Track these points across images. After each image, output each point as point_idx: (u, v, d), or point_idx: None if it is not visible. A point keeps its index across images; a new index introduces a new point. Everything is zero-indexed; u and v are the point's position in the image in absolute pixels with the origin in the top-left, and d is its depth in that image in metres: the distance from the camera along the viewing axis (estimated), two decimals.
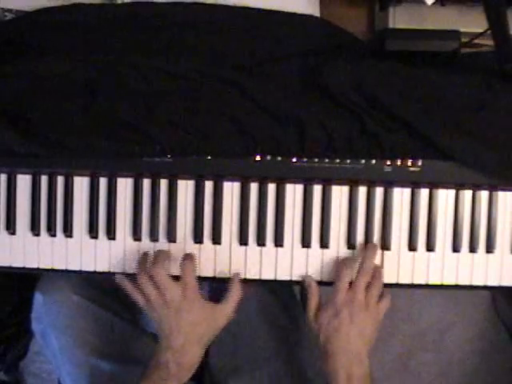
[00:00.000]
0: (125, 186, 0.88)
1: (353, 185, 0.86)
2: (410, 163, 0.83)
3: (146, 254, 0.85)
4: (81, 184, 0.88)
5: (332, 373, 0.78)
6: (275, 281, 0.87)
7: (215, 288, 1.05)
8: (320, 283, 0.86)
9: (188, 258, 0.83)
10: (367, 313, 0.80)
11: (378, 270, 0.83)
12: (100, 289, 0.96)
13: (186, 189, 0.87)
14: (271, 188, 0.86)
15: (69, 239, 0.89)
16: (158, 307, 0.79)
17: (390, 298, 0.84)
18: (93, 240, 0.89)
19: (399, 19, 0.86)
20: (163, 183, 0.87)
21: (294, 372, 0.94)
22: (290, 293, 1.01)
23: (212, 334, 0.82)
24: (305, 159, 0.84)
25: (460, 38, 0.84)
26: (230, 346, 0.96)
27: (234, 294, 0.83)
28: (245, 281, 0.87)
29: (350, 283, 0.81)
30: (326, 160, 0.84)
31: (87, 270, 0.89)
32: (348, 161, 0.84)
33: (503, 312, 1.61)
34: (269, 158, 0.84)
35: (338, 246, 0.87)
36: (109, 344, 0.93)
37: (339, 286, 0.80)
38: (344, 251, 0.86)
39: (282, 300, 0.98)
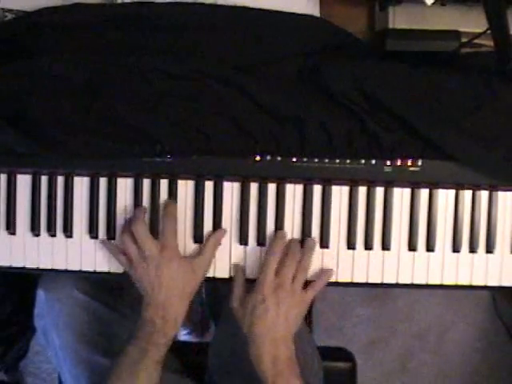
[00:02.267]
0: (125, 185, 0.88)
1: (353, 185, 0.86)
2: (410, 163, 0.83)
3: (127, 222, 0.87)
4: (81, 184, 0.88)
5: (257, 356, 0.79)
6: None
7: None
8: None
9: (168, 213, 0.85)
10: (293, 299, 0.81)
11: (303, 258, 0.84)
12: (102, 287, 0.97)
13: (185, 189, 0.87)
14: (271, 188, 0.86)
15: (69, 239, 0.89)
16: (137, 264, 0.82)
17: (320, 288, 0.84)
18: (93, 240, 0.89)
19: (399, 19, 0.86)
20: (163, 183, 0.87)
21: None
22: None
23: (193, 287, 0.84)
24: (305, 159, 0.84)
25: (460, 38, 0.84)
26: (229, 346, 0.96)
27: (210, 245, 0.85)
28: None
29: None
30: (326, 160, 0.84)
31: (87, 269, 0.89)
32: (348, 161, 0.84)
33: (503, 312, 1.61)
34: (269, 157, 0.84)
35: (337, 245, 0.87)
36: (110, 342, 0.94)
37: (265, 276, 0.81)
38: (344, 251, 0.86)
39: None
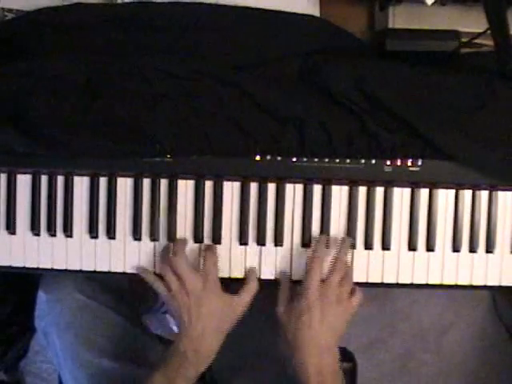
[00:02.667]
0: (125, 185, 0.88)
1: (353, 185, 0.86)
2: (409, 163, 0.83)
3: (167, 247, 0.87)
4: (81, 184, 0.88)
5: (302, 366, 0.78)
6: (275, 281, 0.87)
7: None
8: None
9: (209, 248, 0.85)
10: (338, 308, 0.81)
11: (348, 266, 0.83)
12: (103, 288, 0.96)
13: (185, 189, 0.87)
14: (271, 188, 0.86)
15: (69, 239, 0.89)
16: (178, 296, 0.81)
17: (362, 295, 0.83)
18: (93, 240, 0.89)
19: (399, 19, 0.86)
20: (163, 183, 0.87)
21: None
22: None
23: (229, 324, 0.83)
24: (305, 159, 0.84)
25: (460, 38, 0.84)
26: (234, 346, 0.96)
27: (251, 285, 0.85)
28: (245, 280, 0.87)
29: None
30: (326, 160, 0.84)
31: (87, 269, 0.89)
32: (348, 161, 0.84)
33: (503, 312, 1.61)
34: (269, 157, 0.84)
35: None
36: (111, 343, 0.94)
37: (311, 282, 0.80)
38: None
39: None
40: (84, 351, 0.92)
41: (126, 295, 1.00)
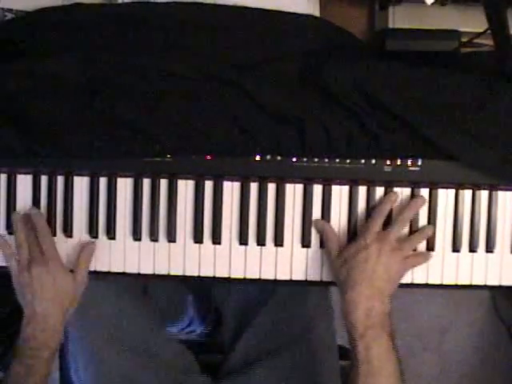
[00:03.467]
0: (125, 185, 0.88)
1: (353, 185, 0.86)
2: (409, 163, 0.83)
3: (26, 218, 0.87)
4: (81, 184, 0.88)
5: (352, 303, 0.77)
6: (275, 281, 0.87)
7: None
8: (320, 283, 0.87)
9: (39, 230, 0.85)
10: (396, 255, 0.80)
11: (428, 227, 0.84)
12: (126, 287, 0.97)
13: (185, 189, 0.87)
14: (271, 188, 0.86)
15: (69, 239, 0.89)
16: (22, 274, 0.83)
17: (423, 259, 0.84)
18: (93, 240, 0.89)
19: (399, 19, 0.86)
20: (163, 183, 0.87)
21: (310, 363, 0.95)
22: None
23: (70, 303, 0.85)
24: (305, 159, 0.84)
25: (460, 38, 0.84)
26: (249, 337, 0.97)
27: (82, 258, 0.86)
28: (244, 280, 0.87)
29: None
30: (326, 160, 0.84)
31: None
32: (348, 161, 0.84)
33: (503, 312, 1.61)
34: (269, 157, 0.84)
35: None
36: (125, 335, 0.94)
37: (372, 224, 0.81)
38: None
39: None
40: (96, 340, 0.93)
41: (148, 294, 1.02)
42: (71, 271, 0.86)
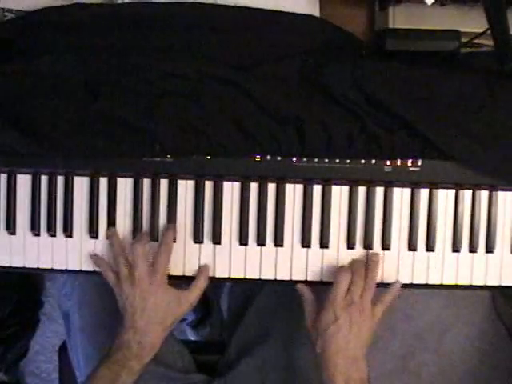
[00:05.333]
0: (125, 185, 0.88)
1: (353, 185, 0.86)
2: (409, 163, 0.83)
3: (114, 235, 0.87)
4: (81, 184, 0.88)
5: (330, 377, 0.78)
6: (275, 281, 0.87)
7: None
8: (320, 283, 0.87)
9: (165, 243, 0.84)
10: (364, 316, 0.80)
11: (370, 275, 0.83)
12: None
13: (185, 189, 0.87)
14: (271, 188, 0.86)
15: (69, 239, 0.89)
16: (124, 286, 0.82)
17: (389, 301, 0.83)
18: (93, 240, 0.89)
19: (399, 19, 0.86)
20: (163, 183, 0.87)
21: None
22: None
23: (174, 319, 0.84)
24: (305, 159, 0.84)
25: (460, 38, 0.84)
26: (242, 328, 0.99)
27: (200, 283, 0.85)
28: (244, 280, 0.87)
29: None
30: (326, 160, 0.84)
31: (87, 269, 0.89)
32: (348, 161, 0.84)
33: (503, 312, 1.61)
34: (269, 157, 0.84)
35: (337, 245, 0.87)
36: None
37: (337, 291, 0.80)
38: (344, 251, 0.86)
39: None
40: (103, 334, 0.93)
41: None
42: (177, 288, 0.84)
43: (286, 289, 0.97)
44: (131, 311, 0.81)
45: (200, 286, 0.85)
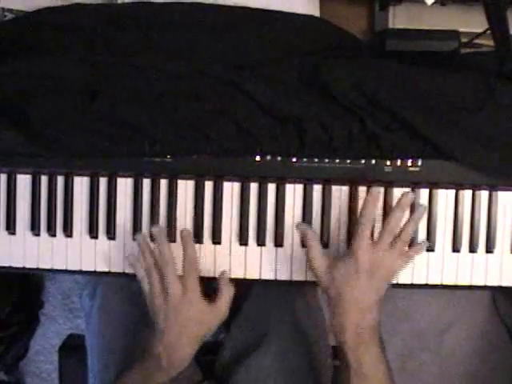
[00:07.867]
0: (125, 185, 0.88)
1: (353, 185, 0.86)
2: (409, 163, 0.83)
3: (146, 242, 0.84)
4: (81, 184, 0.88)
5: (341, 324, 0.77)
6: (275, 281, 0.87)
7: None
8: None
9: (190, 257, 0.82)
10: (387, 267, 0.77)
11: (407, 226, 0.78)
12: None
13: (185, 189, 0.87)
14: (271, 188, 0.86)
15: (69, 239, 0.89)
16: (156, 299, 0.80)
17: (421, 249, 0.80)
18: (93, 240, 0.89)
19: (399, 19, 0.86)
20: (163, 183, 0.87)
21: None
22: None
23: (205, 332, 0.83)
24: (305, 159, 0.84)
25: (460, 38, 0.84)
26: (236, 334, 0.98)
27: (226, 292, 0.83)
28: (244, 280, 0.87)
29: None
30: (326, 160, 0.84)
31: (87, 269, 0.89)
32: (348, 161, 0.84)
33: (503, 312, 1.61)
34: (269, 157, 0.84)
35: (337, 245, 0.87)
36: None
37: (361, 238, 0.76)
38: (344, 251, 0.86)
39: None
40: (120, 341, 0.93)
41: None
42: (209, 301, 0.82)
43: (271, 293, 0.97)
44: (162, 326, 0.80)
45: (226, 294, 0.82)
